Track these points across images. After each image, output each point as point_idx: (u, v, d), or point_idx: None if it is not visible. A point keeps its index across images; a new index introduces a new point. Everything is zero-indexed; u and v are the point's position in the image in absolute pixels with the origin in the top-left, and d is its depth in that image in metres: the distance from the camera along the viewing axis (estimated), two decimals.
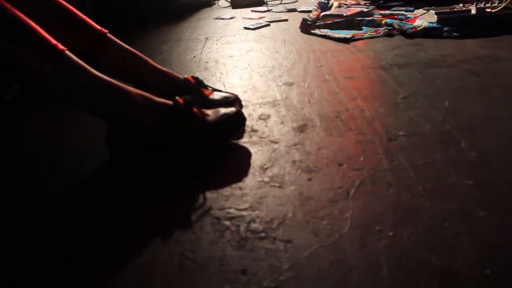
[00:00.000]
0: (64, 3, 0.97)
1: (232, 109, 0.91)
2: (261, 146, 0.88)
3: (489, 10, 1.69)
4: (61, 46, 0.77)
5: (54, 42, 0.76)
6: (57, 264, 0.61)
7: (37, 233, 0.69)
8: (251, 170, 0.80)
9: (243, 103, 1.10)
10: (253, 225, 0.65)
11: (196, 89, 1.02)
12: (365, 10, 2.06)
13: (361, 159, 0.80)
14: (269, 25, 2.24)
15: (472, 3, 1.77)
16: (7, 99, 1.30)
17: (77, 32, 0.97)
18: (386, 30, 1.77)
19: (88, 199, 0.77)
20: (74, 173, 0.86)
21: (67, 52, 0.77)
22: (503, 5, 1.66)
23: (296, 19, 2.21)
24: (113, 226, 0.69)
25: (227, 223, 0.66)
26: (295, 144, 0.88)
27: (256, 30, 2.13)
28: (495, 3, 1.73)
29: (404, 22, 1.84)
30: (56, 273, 0.60)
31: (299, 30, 2.00)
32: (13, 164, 0.94)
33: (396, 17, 1.96)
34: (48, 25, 0.79)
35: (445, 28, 1.66)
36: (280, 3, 2.94)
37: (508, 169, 0.73)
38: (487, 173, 0.72)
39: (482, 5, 1.73)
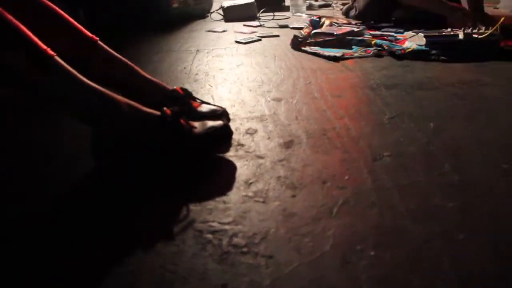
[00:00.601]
0: (56, 8, 0.97)
1: (219, 122, 0.91)
2: (247, 160, 0.89)
3: (476, 36, 1.73)
4: (50, 51, 0.76)
5: (44, 47, 0.76)
6: (38, 272, 0.60)
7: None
8: (235, 184, 0.80)
9: (231, 116, 1.10)
10: (236, 240, 0.64)
11: (184, 101, 1.02)
12: (355, 29, 2.09)
13: (346, 177, 0.81)
14: (260, 40, 2.26)
15: (460, 29, 1.81)
16: None
17: (68, 38, 0.97)
18: (375, 51, 1.80)
19: (70, 207, 0.76)
20: (55, 180, 0.85)
21: (56, 58, 0.77)
22: (489, 31, 1.70)
23: (287, 36, 2.23)
24: (94, 236, 0.68)
25: (210, 236, 0.66)
26: (280, 160, 0.88)
27: (247, 45, 2.14)
28: (482, 29, 1.76)
29: (393, 43, 1.87)
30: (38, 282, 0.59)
31: (290, 46, 2.01)
32: (9, 164, 0.93)
33: (386, 38, 1.99)
34: (39, 30, 0.79)
35: (433, 51, 1.69)
36: (272, 19, 2.97)
37: (490, 192, 0.74)
38: (469, 196, 0.73)
39: (469, 30, 1.77)
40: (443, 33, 1.80)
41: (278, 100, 1.25)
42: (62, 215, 0.74)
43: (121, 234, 0.68)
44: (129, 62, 1.04)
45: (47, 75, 0.76)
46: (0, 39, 0.73)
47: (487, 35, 1.70)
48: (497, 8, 3.11)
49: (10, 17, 0.73)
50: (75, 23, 0.99)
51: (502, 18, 1.70)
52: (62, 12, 0.98)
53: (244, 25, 2.77)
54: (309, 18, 2.50)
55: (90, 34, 1.00)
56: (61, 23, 0.97)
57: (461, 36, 1.74)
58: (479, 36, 1.72)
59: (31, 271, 0.60)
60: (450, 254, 0.59)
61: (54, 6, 0.97)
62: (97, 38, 1.01)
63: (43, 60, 0.75)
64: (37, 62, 0.75)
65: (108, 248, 0.64)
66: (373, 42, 1.88)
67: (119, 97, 0.84)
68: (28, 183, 0.85)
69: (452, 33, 1.80)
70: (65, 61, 0.78)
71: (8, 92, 1.28)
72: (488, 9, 2.59)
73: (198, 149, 0.87)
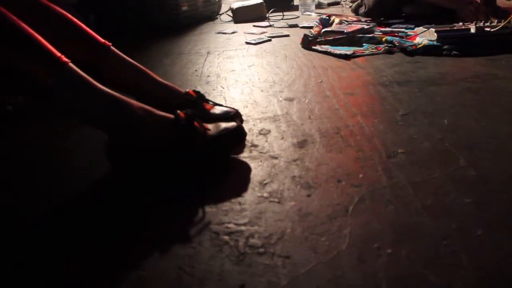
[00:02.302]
0: (68, 15, 0.98)
1: (232, 124, 0.92)
2: (261, 161, 0.89)
3: (488, 29, 1.71)
4: (64, 58, 0.77)
5: (58, 54, 0.77)
6: (55, 276, 0.61)
7: (32, 241, 0.69)
8: (250, 185, 0.80)
9: (244, 118, 1.11)
10: (252, 241, 0.65)
11: (197, 103, 1.03)
12: (366, 27, 2.08)
13: (360, 175, 0.80)
14: (270, 40, 2.26)
15: (472, 22, 1.79)
16: (9, 109, 1.30)
17: (81, 45, 0.98)
18: (386, 47, 1.79)
19: (86, 211, 0.77)
20: (73, 183, 0.86)
21: (71, 64, 0.78)
22: (502, 24, 1.68)
23: (297, 35, 2.23)
24: (112, 238, 0.69)
25: (226, 238, 0.66)
26: (294, 160, 0.88)
27: (258, 45, 2.15)
28: (494, 22, 1.74)
29: (404, 39, 1.86)
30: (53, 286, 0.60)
31: (300, 45, 2.01)
32: (15, 171, 0.94)
33: (396, 34, 1.98)
34: (52, 37, 0.80)
35: (445, 46, 1.68)
36: (281, 19, 2.97)
37: (506, 187, 0.73)
38: (485, 191, 0.73)
39: (481, 24, 1.75)
40: (455, 28, 1.78)
41: (290, 100, 1.25)
42: (80, 217, 0.75)
43: (138, 237, 0.69)
44: (141, 67, 1.05)
45: (62, 82, 0.77)
46: (14, 46, 0.74)
47: (500, 28, 1.68)
48: (509, 0, 3.07)
49: (23, 25, 0.75)
50: (88, 29, 1.01)
51: None
52: (75, 19, 0.99)
53: (254, 25, 2.77)
54: (318, 17, 2.50)
55: (102, 40, 1.02)
56: (74, 29, 0.98)
57: (473, 30, 1.72)
58: (492, 30, 1.70)
59: (43, 274, 0.61)
60: (467, 250, 0.59)
61: (66, 13, 0.98)
62: (110, 44, 1.02)
63: (57, 67, 0.76)
64: (51, 69, 0.76)
65: (125, 251, 0.65)
66: (383, 39, 1.87)
67: (133, 102, 0.85)
68: (24, 190, 0.87)
69: (463, 27, 1.78)
70: (78, 67, 0.79)
71: (23, 100, 1.30)
72: (500, 1, 2.56)
73: (213, 151, 0.87)
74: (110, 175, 0.89)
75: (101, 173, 0.89)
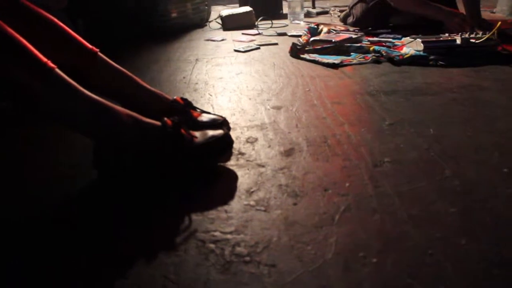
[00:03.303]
0: (56, 20, 0.98)
1: (220, 132, 0.92)
2: (248, 169, 0.89)
3: (473, 40, 1.74)
4: (51, 64, 0.77)
5: (45, 59, 0.76)
6: (38, 283, 0.60)
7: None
8: (237, 193, 0.80)
9: (231, 125, 1.11)
10: (238, 249, 0.64)
11: (184, 111, 1.03)
12: (354, 36, 2.10)
13: (347, 184, 0.81)
14: (259, 48, 2.26)
15: (458, 34, 1.82)
16: None
17: (68, 50, 0.97)
18: (374, 57, 1.80)
19: (69, 217, 0.77)
20: (57, 189, 0.86)
21: (57, 70, 0.78)
22: (486, 36, 1.71)
23: (286, 43, 2.24)
24: (96, 245, 0.68)
25: (212, 246, 0.66)
26: (281, 168, 0.88)
27: (246, 53, 2.15)
28: (479, 34, 1.77)
29: (391, 49, 1.88)
30: None
31: (288, 54, 2.02)
32: (8, 172, 0.94)
33: (384, 44, 2.00)
34: (39, 42, 0.79)
35: (431, 57, 1.70)
36: (270, 27, 2.98)
37: (490, 197, 0.74)
38: (470, 201, 0.73)
39: (467, 35, 1.77)
40: (441, 38, 1.81)
41: (278, 108, 1.25)
42: (60, 226, 0.74)
43: (122, 245, 0.68)
44: (129, 73, 1.05)
45: (48, 88, 0.76)
46: (1, 52, 0.73)
47: (485, 40, 1.71)
48: (494, 13, 3.13)
49: (10, 30, 0.74)
50: (75, 34, 1.00)
51: (499, 23, 1.71)
52: (62, 24, 0.98)
53: (243, 33, 2.78)
54: (307, 26, 2.51)
55: (90, 46, 1.01)
56: (61, 35, 0.98)
57: (458, 41, 1.75)
58: (477, 41, 1.73)
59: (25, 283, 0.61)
60: (452, 260, 0.59)
61: (53, 18, 0.97)
62: (97, 50, 1.02)
63: (44, 73, 0.76)
64: (38, 74, 0.75)
65: (109, 260, 0.65)
66: (371, 48, 1.89)
67: (120, 108, 0.85)
68: (12, 190, 0.86)
69: (449, 38, 1.80)
70: (65, 73, 0.79)
71: (8, 105, 1.29)
72: (485, 14, 2.60)
73: (199, 159, 0.87)
74: (96, 181, 0.88)
75: (86, 180, 0.88)
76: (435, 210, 0.71)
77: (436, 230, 0.66)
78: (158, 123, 0.86)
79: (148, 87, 1.06)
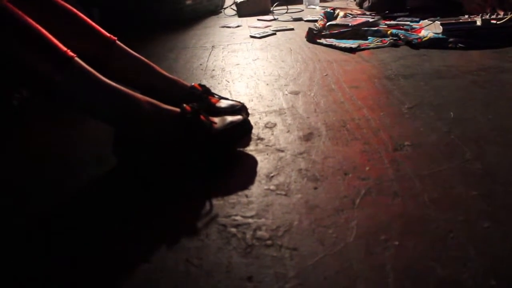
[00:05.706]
0: (74, 9, 0.98)
1: (239, 117, 0.92)
2: (267, 154, 0.89)
3: (494, 21, 1.70)
4: (70, 53, 0.77)
5: (64, 48, 0.77)
6: (63, 267, 0.62)
7: (42, 233, 0.69)
8: (257, 178, 0.81)
9: (250, 111, 1.11)
10: (259, 233, 0.65)
11: (203, 97, 1.03)
12: (371, 20, 2.07)
13: (367, 168, 0.81)
14: (275, 34, 2.25)
15: (478, 15, 1.78)
16: (14, 104, 1.31)
17: (87, 39, 0.98)
18: (391, 40, 1.78)
19: (94, 204, 0.78)
20: (81, 176, 0.87)
21: (77, 59, 0.78)
22: (508, 17, 1.67)
23: (302, 29, 2.23)
24: (120, 231, 0.69)
25: (234, 230, 0.66)
26: (301, 153, 0.88)
27: (262, 39, 2.14)
28: (500, 14, 1.73)
29: (409, 32, 1.85)
30: (62, 276, 0.60)
31: (305, 39, 2.01)
32: (21, 166, 0.95)
33: (401, 27, 1.97)
34: (58, 32, 0.80)
35: (451, 39, 1.67)
36: (286, 12, 2.96)
37: None
38: (491, 184, 0.73)
39: (487, 16, 1.74)
40: (460, 20, 1.77)
41: (296, 93, 1.25)
42: (85, 211, 0.76)
43: (145, 230, 0.69)
44: (146, 61, 1.05)
45: (68, 76, 0.77)
46: (21, 41, 0.74)
47: (506, 21, 1.67)
48: None
49: (29, 19, 0.75)
50: (93, 23, 1.01)
51: None
52: (80, 13, 0.99)
53: (258, 19, 2.77)
54: (323, 10, 2.49)
55: (108, 34, 1.02)
56: (80, 24, 0.99)
57: (479, 23, 1.71)
58: (498, 22, 1.69)
59: (50, 266, 0.62)
60: (475, 243, 0.59)
61: (71, 7, 0.98)
62: (115, 38, 1.02)
63: (64, 62, 0.76)
64: (58, 63, 0.76)
65: (132, 244, 0.66)
66: (388, 32, 1.86)
67: (139, 96, 0.85)
68: (32, 185, 0.87)
69: (469, 20, 1.77)
70: (84, 62, 0.80)
71: (28, 94, 1.31)
72: None
73: (219, 145, 0.87)
74: (117, 169, 0.89)
75: (107, 167, 0.89)
76: (457, 193, 0.71)
77: (458, 213, 0.65)
78: (177, 109, 0.86)
79: (166, 74, 1.07)
